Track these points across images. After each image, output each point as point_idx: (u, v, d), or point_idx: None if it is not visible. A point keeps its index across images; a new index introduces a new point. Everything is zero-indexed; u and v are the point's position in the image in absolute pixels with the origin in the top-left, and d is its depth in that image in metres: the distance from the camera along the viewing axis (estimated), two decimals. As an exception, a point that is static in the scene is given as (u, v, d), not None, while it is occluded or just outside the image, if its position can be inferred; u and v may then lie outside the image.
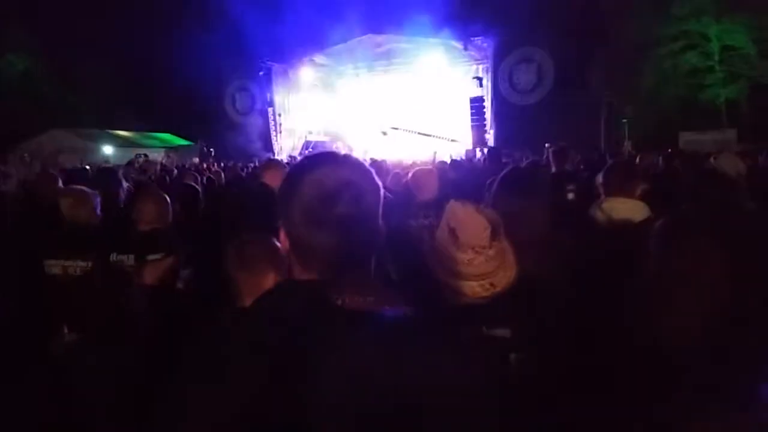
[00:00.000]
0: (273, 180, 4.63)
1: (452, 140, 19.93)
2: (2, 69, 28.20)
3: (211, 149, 22.31)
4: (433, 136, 20.12)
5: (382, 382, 0.87)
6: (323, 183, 0.98)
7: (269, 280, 1.79)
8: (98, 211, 3.35)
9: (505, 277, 1.60)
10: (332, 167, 1.01)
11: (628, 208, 2.87)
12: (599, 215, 2.94)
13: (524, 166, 4.96)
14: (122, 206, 4.34)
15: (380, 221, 1.05)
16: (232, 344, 0.96)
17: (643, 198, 3.01)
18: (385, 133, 20.62)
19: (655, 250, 2.03)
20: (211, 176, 7.72)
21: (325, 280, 0.99)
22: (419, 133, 20.22)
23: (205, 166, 13.32)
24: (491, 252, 1.59)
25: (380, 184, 1.06)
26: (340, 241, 0.97)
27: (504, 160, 7.95)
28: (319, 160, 1.04)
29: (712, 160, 5.52)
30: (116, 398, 1.64)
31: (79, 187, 3.48)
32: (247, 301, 1.84)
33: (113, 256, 3.04)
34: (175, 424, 0.95)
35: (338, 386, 0.87)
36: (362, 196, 0.99)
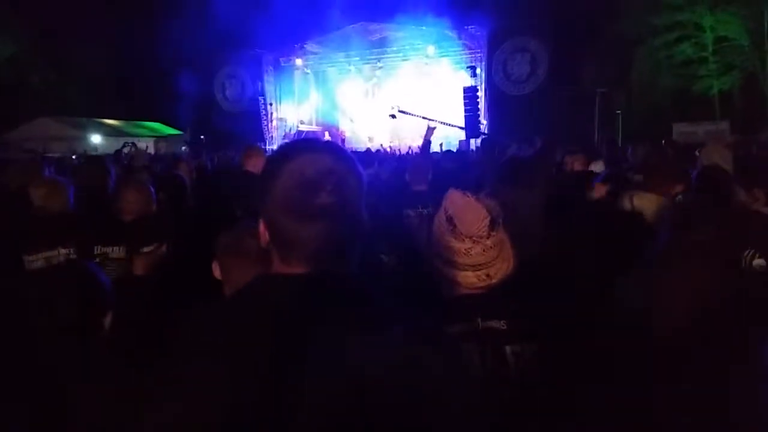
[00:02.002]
0: (255, 167, 4.58)
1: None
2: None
3: (202, 136, 22.16)
4: (438, 122, 20.06)
5: (371, 377, 0.84)
6: (303, 171, 0.92)
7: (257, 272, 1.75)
8: (71, 201, 3.26)
9: (502, 268, 1.56)
10: (313, 155, 0.95)
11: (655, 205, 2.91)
12: (627, 206, 3.00)
13: (522, 157, 4.93)
14: (110, 197, 4.25)
15: (363, 211, 0.99)
16: (212, 339, 0.92)
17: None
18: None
19: (658, 237, 2.03)
20: (201, 164, 7.64)
21: (306, 274, 0.94)
22: (425, 118, 20.15)
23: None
24: (489, 242, 1.54)
25: (363, 172, 1.00)
26: (323, 233, 0.92)
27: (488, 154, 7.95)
28: (300, 148, 0.98)
29: (696, 153, 5.51)
30: (98, 389, 1.59)
31: (52, 176, 3.40)
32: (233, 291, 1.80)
33: (97, 249, 2.96)
34: (149, 419, 0.91)
35: (321, 383, 0.84)
36: (345, 184, 0.94)
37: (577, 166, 5.27)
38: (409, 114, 20.32)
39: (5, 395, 1.48)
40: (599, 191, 3.53)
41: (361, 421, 0.83)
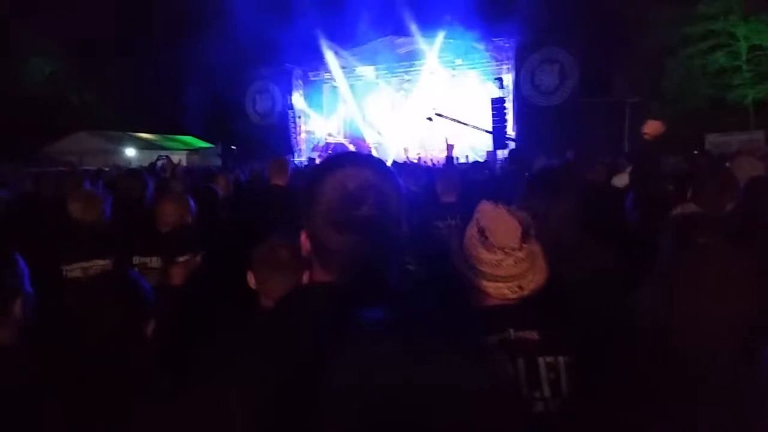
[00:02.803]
0: (280, 179, 4.68)
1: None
2: (27, 72, 28.78)
3: (233, 147, 22.51)
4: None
5: (400, 386, 0.85)
6: (345, 185, 0.96)
7: (294, 283, 1.78)
8: (107, 213, 3.36)
9: (534, 280, 1.56)
10: (354, 169, 0.99)
11: None
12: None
13: (552, 168, 4.88)
14: (149, 208, 4.36)
15: (403, 224, 1.02)
16: (254, 346, 0.95)
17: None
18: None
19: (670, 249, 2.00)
20: (235, 177, 7.75)
21: (346, 283, 0.97)
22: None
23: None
24: (521, 254, 1.54)
25: (402, 186, 1.03)
26: (363, 244, 0.96)
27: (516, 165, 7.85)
28: (341, 162, 1.02)
29: (728, 164, 5.35)
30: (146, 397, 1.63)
31: (89, 189, 3.50)
32: (269, 303, 1.83)
33: (136, 259, 3.05)
34: (188, 425, 0.94)
35: (356, 390, 0.85)
36: (384, 198, 0.98)
37: (599, 178, 5.09)
38: (446, 117, 20.29)
39: (55, 404, 1.53)
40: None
41: (388, 427, 0.83)
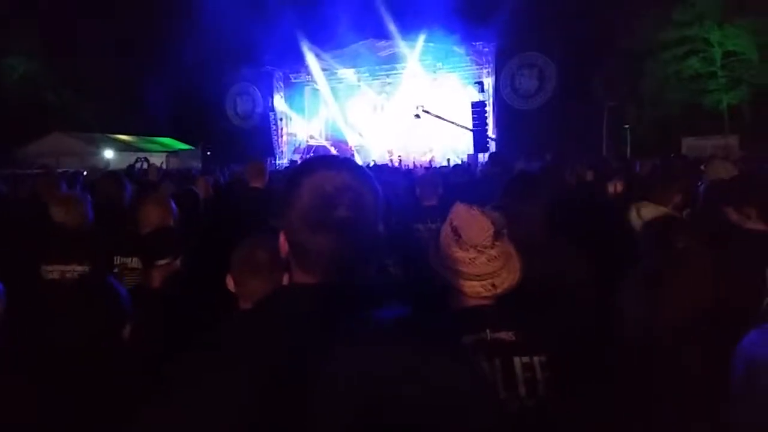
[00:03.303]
0: (258, 182, 4.69)
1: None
2: (2, 72, 28.19)
3: (209, 152, 22.31)
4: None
5: (383, 387, 0.86)
6: (322, 187, 0.97)
7: (273, 285, 1.79)
8: (90, 216, 3.33)
9: (508, 279, 1.59)
10: (331, 171, 1.00)
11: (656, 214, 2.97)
12: (634, 217, 3.11)
13: (530, 172, 4.94)
14: (126, 210, 4.32)
15: (380, 225, 1.04)
16: (233, 348, 0.95)
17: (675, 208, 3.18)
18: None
19: (648, 247, 2.07)
20: (215, 179, 7.71)
21: (324, 284, 0.99)
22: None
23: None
24: (494, 252, 1.58)
25: (378, 188, 1.05)
26: (340, 245, 0.97)
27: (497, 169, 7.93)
28: (319, 164, 1.04)
29: (702, 167, 5.47)
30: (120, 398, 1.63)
31: (70, 192, 3.47)
32: (248, 306, 1.84)
33: (117, 259, 3.03)
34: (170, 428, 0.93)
35: (338, 392, 0.86)
36: (361, 200, 0.99)
37: (590, 177, 5.26)
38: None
39: (30, 402, 1.52)
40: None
41: (372, 429, 0.85)
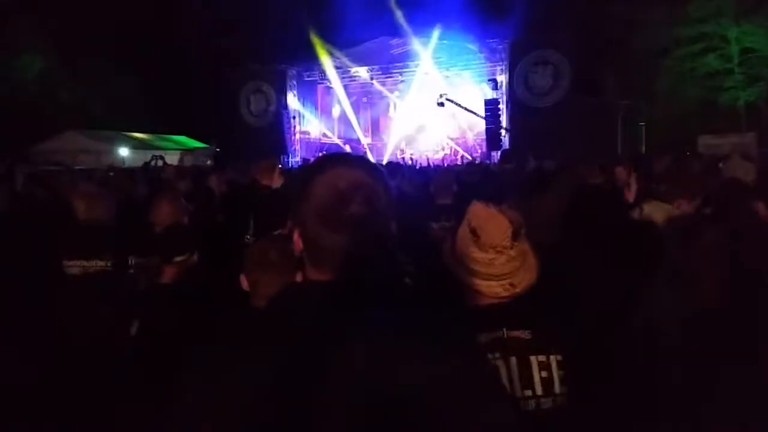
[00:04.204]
0: (269, 180, 4.71)
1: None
2: (17, 70, 28.44)
3: (218, 149, 22.38)
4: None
5: (395, 386, 0.86)
6: (336, 184, 0.98)
7: (287, 281, 1.79)
8: (112, 212, 3.37)
9: (526, 278, 1.59)
10: (344, 169, 1.01)
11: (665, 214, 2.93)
12: (638, 214, 3.07)
13: (544, 169, 4.91)
14: (141, 208, 4.36)
15: (392, 223, 1.04)
16: (247, 344, 0.96)
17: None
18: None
19: (668, 248, 2.05)
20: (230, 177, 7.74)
21: (338, 281, 0.99)
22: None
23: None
24: (513, 252, 1.57)
25: (391, 185, 1.06)
26: (353, 241, 0.98)
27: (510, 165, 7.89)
28: (332, 162, 1.04)
29: (721, 165, 5.40)
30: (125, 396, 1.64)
31: (93, 186, 3.50)
32: (261, 302, 1.84)
33: (131, 260, 3.05)
34: (181, 424, 0.94)
35: (350, 388, 0.86)
36: (374, 197, 0.99)
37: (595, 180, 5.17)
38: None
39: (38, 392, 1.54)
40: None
41: (383, 425, 0.85)
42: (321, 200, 0.98)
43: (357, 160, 1.07)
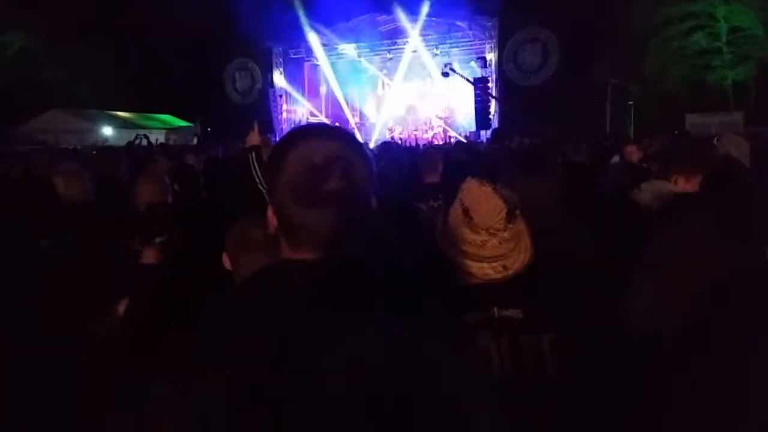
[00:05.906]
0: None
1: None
2: (-1, 48, 27.85)
3: (209, 128, 22.17)
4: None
5: (378, 365, 0.83)
6: (311, 157, 0.90)
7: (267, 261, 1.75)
8: (91, 190, 3.30)
9: (519, 260, 1.55)
10: (321, 140, 0.93)
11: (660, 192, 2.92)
12: (636, 193, 3.04)
13: (537, 146, 4.90)
14: (123, 187, 4.28)
15: (372, 196, 0.98)
16: (221, 325, 0.92)
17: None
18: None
19: (658, 228, 2.03)
20: (213, 155, 7.67)
21: (314, 261, 0.93)
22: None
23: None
24: (506, 234, 1.53)
25: (371, 156, 0.98)
26: (331, 220, 0.91)
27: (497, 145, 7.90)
28: (307, 134, 0.96)
29: (715, 141, 5.39)
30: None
31: (72, 164, 3.44)
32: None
33: (115, 239, 3.00)
34: (161, 408, 0.90)
35: (332, 369, 0.83)
36: (352, 170, 0.92)
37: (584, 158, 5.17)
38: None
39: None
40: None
41: (364, 410, 0.82)
42: (295, 177, 0.90)
43: (333, 130, 0.99)
